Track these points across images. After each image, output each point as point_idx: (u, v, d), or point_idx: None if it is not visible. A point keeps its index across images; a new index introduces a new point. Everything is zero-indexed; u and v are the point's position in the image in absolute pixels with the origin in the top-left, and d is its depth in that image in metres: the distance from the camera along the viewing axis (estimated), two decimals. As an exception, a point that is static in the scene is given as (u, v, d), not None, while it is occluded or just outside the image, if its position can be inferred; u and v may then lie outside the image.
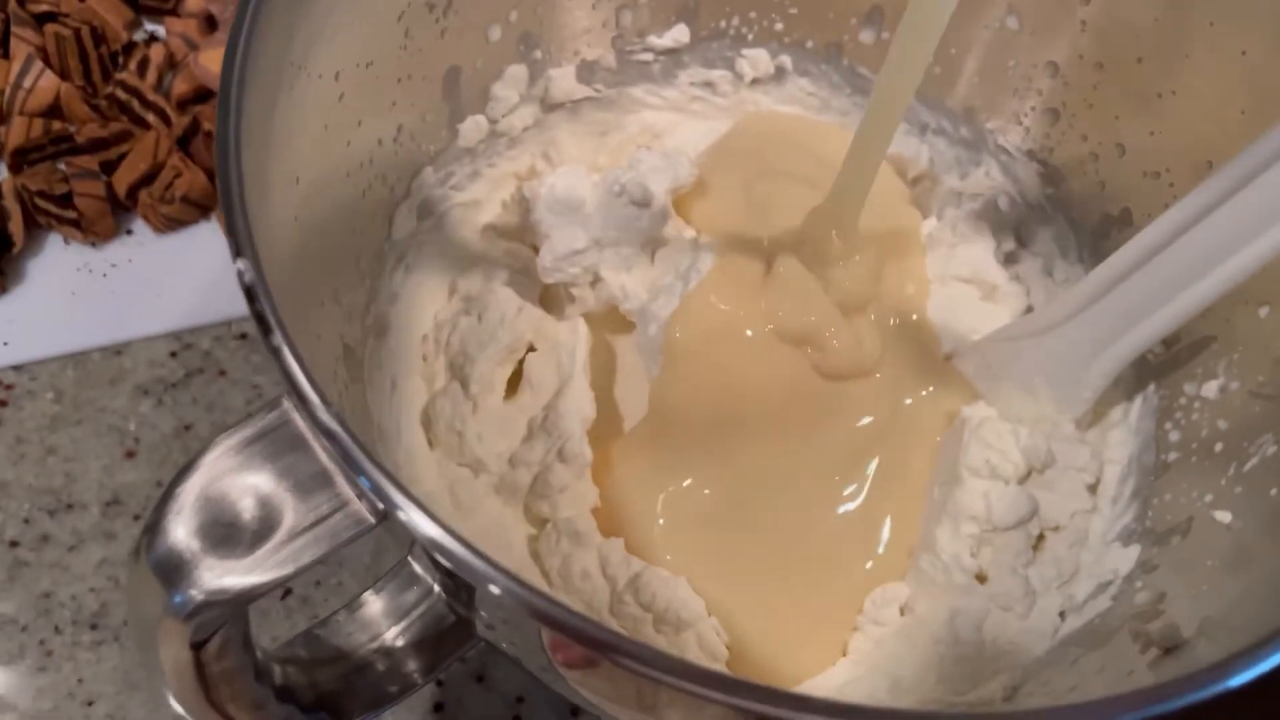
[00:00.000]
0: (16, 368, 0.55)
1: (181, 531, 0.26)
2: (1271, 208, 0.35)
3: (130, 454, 0.53)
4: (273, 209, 0.32)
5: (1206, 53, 0.41)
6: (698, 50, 0.50)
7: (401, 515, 0.24)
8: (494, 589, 0.23)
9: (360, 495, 0.25)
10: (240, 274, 0.25)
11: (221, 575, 0.26)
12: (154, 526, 0.26)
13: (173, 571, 0.26)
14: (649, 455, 0.44)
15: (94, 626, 0.50)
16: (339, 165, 0.39)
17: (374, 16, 0.38)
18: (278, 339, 0.25)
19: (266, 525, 0.26)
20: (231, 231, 0.26)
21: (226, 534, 0.26)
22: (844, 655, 0.42)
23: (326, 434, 0.24)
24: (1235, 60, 0.40)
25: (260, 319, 0.25)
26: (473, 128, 0.47)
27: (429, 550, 0.23)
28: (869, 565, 0.43)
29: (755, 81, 0.51)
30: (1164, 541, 0.39)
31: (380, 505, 0.24)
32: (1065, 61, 0.46)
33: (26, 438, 0.54)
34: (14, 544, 0.51)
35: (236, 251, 0.26)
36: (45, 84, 0.58)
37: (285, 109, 0.33)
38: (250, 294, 0.25)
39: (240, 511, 0.26)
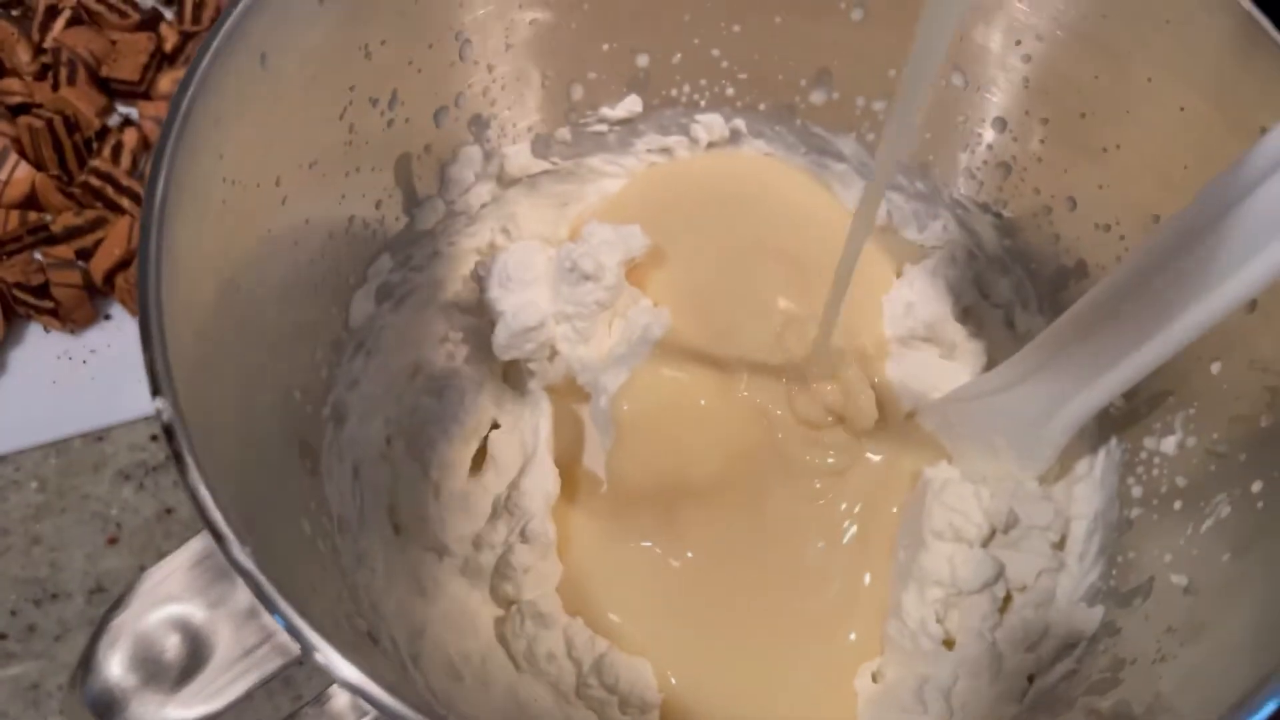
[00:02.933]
0: (0, 458, 0.56)
1: (115, 666, 0.27)
2: (1219, 264, 0.35)
3: (113, 540, 0.54)
4: (209, 323, 0.32)
5: (1147, 108, 0.41)
6: (652, 118, 0.50)
7: (319, 657, 0.24)
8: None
9: (285, 627, 0.26)
10: (159, 413, 0.26)
11: (155, 710, 0.26)
12: (88, 661, 0.27)
13: (107, 708, 0.26)
14: (610, 528, 0.44)
15: (81, 716, 0.50)
16: (286, 264, 0.39)
17: (313, 120, 0.39)
18: (194, 478, 0.25)
19: (198, 658, 0.26)
20: (150, 369, 0.26)
21: (159, 668, 0.26)
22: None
23: (242, 573, 0.24)
24: (1174, 115, 0.40)
25: (178, 458, 0.25)
26: (429, 210, 0.47)
27: (348, 691, 0.24)
28: (852, 637, 0.43)
29: (711, 145, 0.52)
30: (1127, 603, 0.39)
31: (297, 645, 0.24)
32: (1012, 117, 0.46)
33: (11, 529, 0.54)
34: (1, 635, 0.52)
35: (155, 390, 0.26)
36: (20, 175, 0.59)
37: (218, 224, 0.33)
38: (169, 433, 0.26)
39: (172, 645, 0.27)
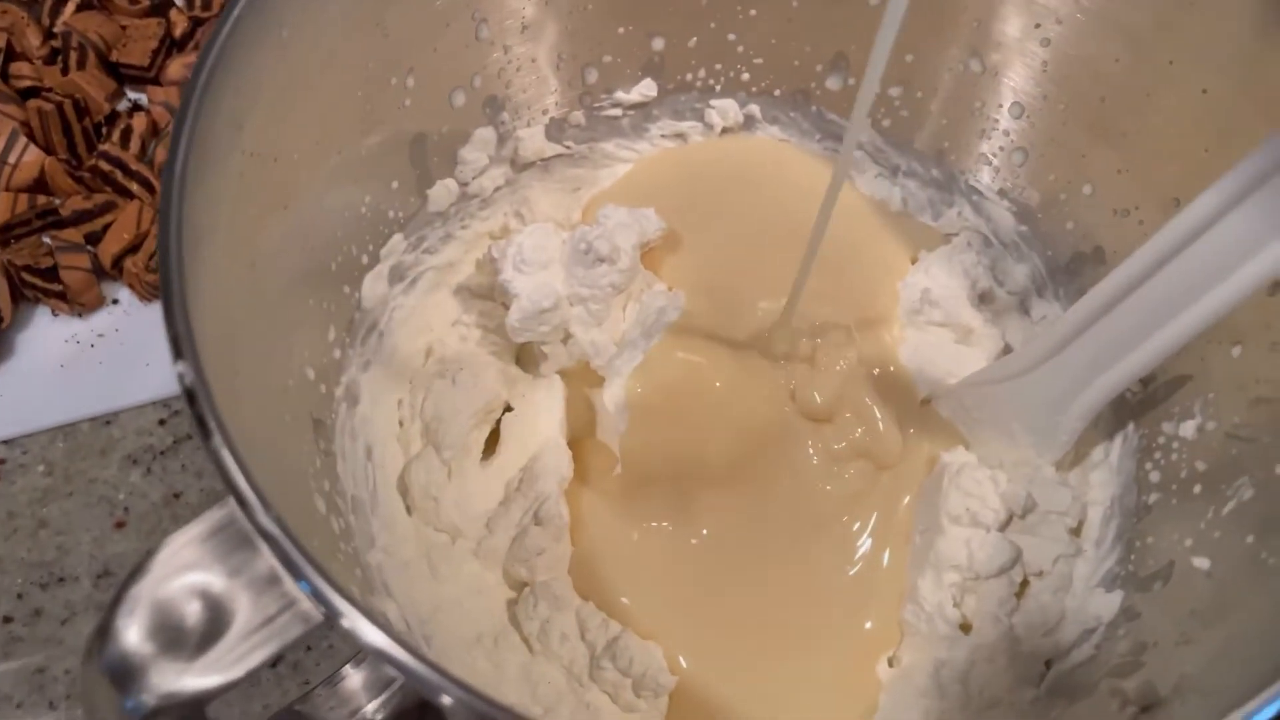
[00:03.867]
0: (7, 442, 0.55)
1: (134, 634, 0.26)
2: (1240, 247, 0.35)
3: (120, 524, 0.54)
4: (228, 295, 0.32)
5: (1168, 91, 0.40)
6: (666, 103, 0.50)
7: (345, 622, 0.24)
8: (445, 699, 0.23)
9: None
10: (180, 376, 0.26)
11: (174, 678, 0.26)
12: (105, 629, 0.26)
13: (125, 675, 0.26)
14: (623, 510, 0.44)
15: (87, 700, 0.50)
16: (302, 241, 0.39)
17: (331, 95, 0.38)
18: (216, 441, 0.25)
19: (217, 626, 0.26)
20: (171, 332, 0.26)
21: (178, 636, 0.26)
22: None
23: (266, 537, 0.24)
24: (1196, 98, 0.39)
25: (201, 422, 0.25)
26: (443, 192, 0.47)
27: (374, 657, 0.23)
28: (869, 624, 0.43)
29: (725, 131, 0.51)
30: (1146, 587, 0.39)
31: (318, 613, 0.24)
32: (1029, 102, 0.45)
33: (18, 512, 0.54)
34: (7, 619, 0.52)
35: (177, 353, 0.26)
36: (29, 159, 0.59)
37: (236, 195, 0.33)
38: (190, 396, 0.25)
39: (190, 613, 0.26)
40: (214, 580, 0.27)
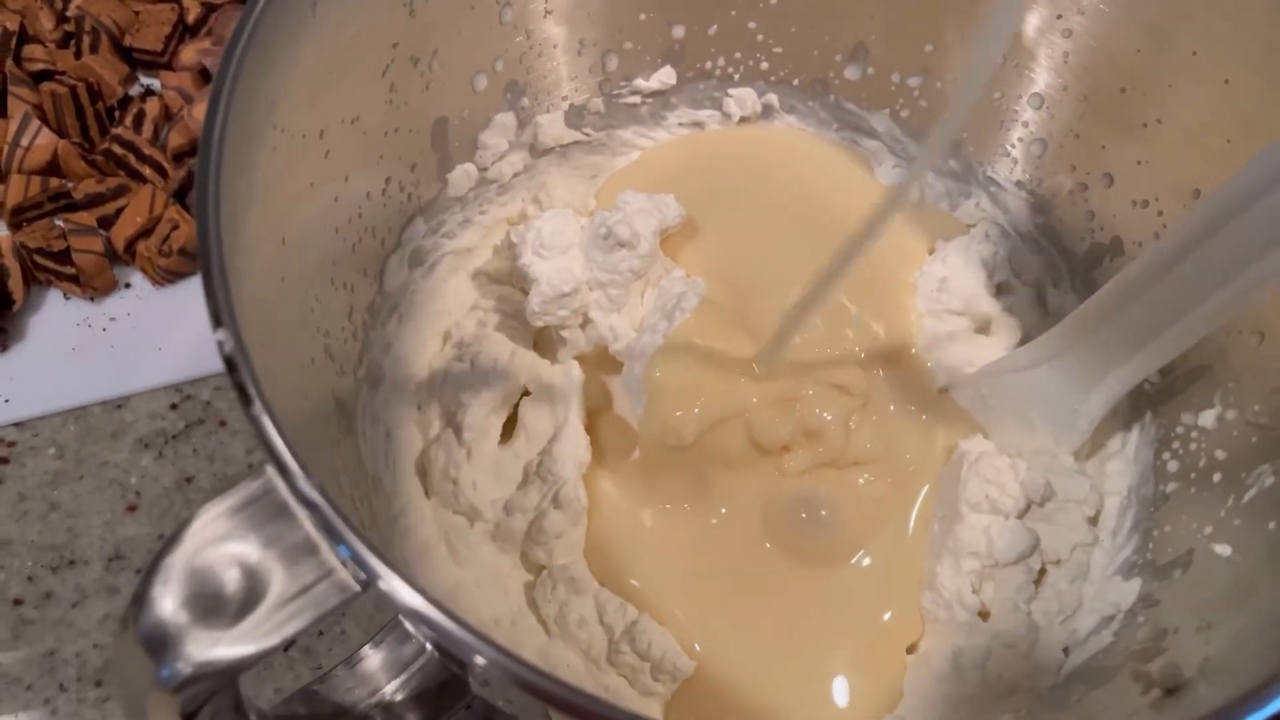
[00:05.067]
0: (18, 425, 0.55)
1: (169, 603, 0.26)
2: (1263, 238, 0.35)
3: (132, 508, 0.54)
4: (258, 271, 0.32)
5: (1190, 82, 0.41)
6: (685, 91, 0.50)
7: (383, 585, 0.24)
8: (479, 660, 0.23)
9: (344, 562, 0.25)
10: (220, 344, 0.26)
11: (209, 647, 0.26)
12: (141, 598, 0.26)
13: (160, 644, 0.26)
14: (640, 494, 0.44)
15: (99, 683, 0.50)
16: (327, 221, 0.39)
17: (357, 74, 0.38)
18: (258, 408, 0.25)
19: (253, 595, 0.26)
20: (211, 301, 0.26)
21: (213, 605, 0.26)
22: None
23: (307, 504, 0.24)
24: (1219, 89, 0.40)
25: (241, 390, 0.25)
26: (462, 176, 0.47)
27: (411, 621, 0.23)
28: (888, 615, 0.43)
29: (744, 120, 0.51)
30: (1165, 575, 0.39)
31: (362, 575, 0.24)
32: (1049, 93, 0.46)
33: (29, 494, 0.54)
34: (18, 602, 0.51)
35: (216, 321, 0.26)
36: (43, 141, 0.59)
37: (268, 171, 0.33)
38: (230, 364, 0.25)
39: (227, 582, 0.26)
40: (249, 550, 0.27)
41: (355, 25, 0.37)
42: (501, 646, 0.23)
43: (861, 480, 0.44)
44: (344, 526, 0.24)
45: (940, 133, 0.34)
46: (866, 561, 0.44)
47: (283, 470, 0.25)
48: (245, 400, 0.25)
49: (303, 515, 0.25)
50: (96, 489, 0.54)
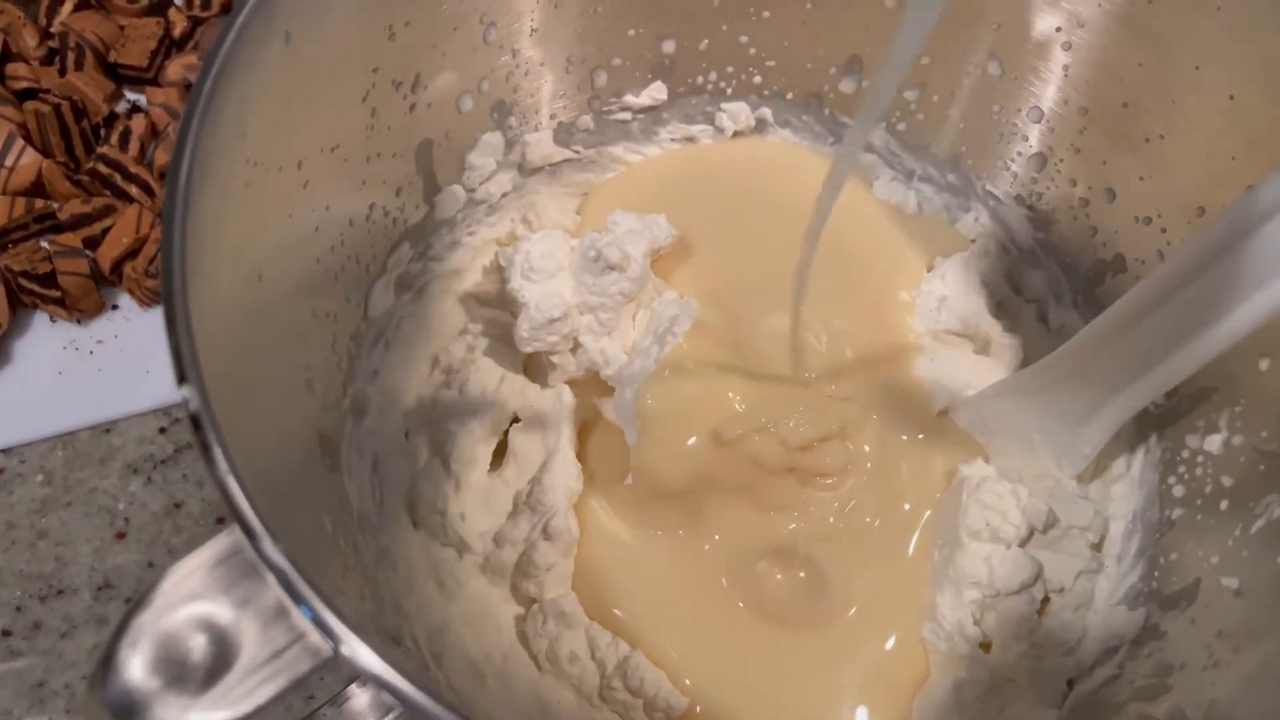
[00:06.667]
0: (5, 451, 0.54)
1: (137, 667, 0.25)
2: (1270, 264, 0.34)
3: (120, 535, 0.53)
4: (232, 312, 0.31)
5: (1193, 97, 0.39)
6: (677, 106, 0.49)
7: (345, 650, 0.23)
8: (452, 732, 0.22)
9: (315, 625, 0.25)
10: (185, 402, 0.25)
11: (179, 714, 0.25)
12: (108, 661, 0.26)
13: (128, 711, 0.25)
14: (633, 522, 0.43)
15: (87, 715, 0.49)
16: (307, 252, 0.38)
17: (336, 102, 0.37)
18: (222, 470, 0.24)
19: (224, 660, 0.25)
20: (176, 356, 0.25)
21: (183, 669, 0.25)
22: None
23: (274, 569, 0.23)
24: (1223, 104, 0.39)
25: (205, 449, 0.24)
26: (450, 198, 0.46)
27: (379, 688, 0.22)
28: (890, 644, 0.42)
29: (737, 134, 0.50)
30: (1171, 605, 0.38)
31: (328, 646, 0.23)
32: (1050, 106, 0.45)
33: (17, 522, 0.53)
34: (6, 633, 0.51)
35: (181, 377, 0.25)
36: (27, 162, 0.58)
37: (242, 207, 0.32)
38: (195, 422, 0.25)
39: (197, 645, 0.25)
40: (220, 611, 0.26)
41: (332, 53, 0.36)
42: (465, 714, 0.22)
43: (851, 506, 0.43)
44: (306, 588, 0.23)
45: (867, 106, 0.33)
46: (867, 588, 0.43)
47: (249, 534, 0.24)
48: (210, 460, 0.24)
49: (271, 578, 0.25)
50: (85, 516, 0.53)
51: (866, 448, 0.43)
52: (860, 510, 0.43)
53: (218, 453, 0.24)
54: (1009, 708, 0.39)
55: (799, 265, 0.40)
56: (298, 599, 0.23)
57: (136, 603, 0.26)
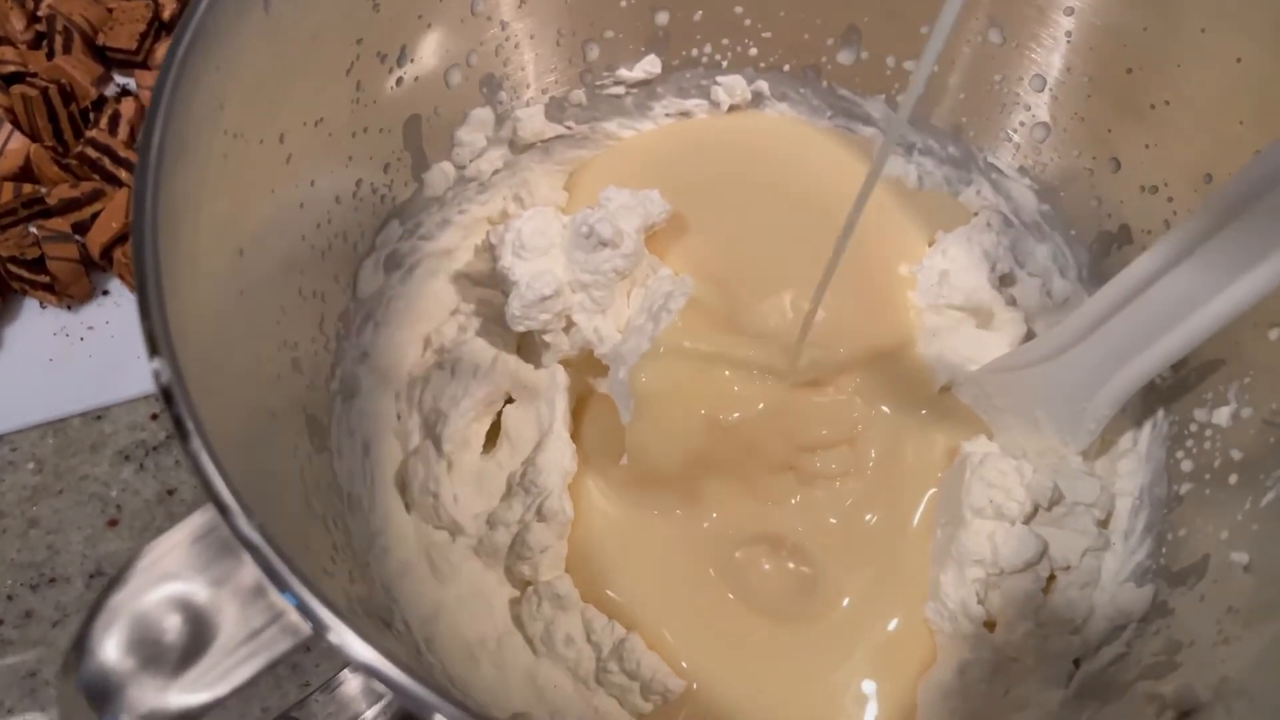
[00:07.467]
0: (-5, 439, 0.54)
1: (111, 649, 0.25)
2: (1275, 231, 0.33)
3: (113, 522, 0.52)
4: (210, 286, 0.30)
5: (1200, 61, 0.38)
6: (671, 80, 0.48)
7: (332, 637, 0.22)
8: (438, 718, 0.22)
9: (294, 605, 0.24)
10: (156, 374, 0.24)
11: (155, 696, 0.24)
12: (82, 643, 0.25)
13: (102, 693, 0.24)
14: (629, 501, 0.42)
15: (80, 704, 0.48)
16: (291, 228, 0.37)
17: (318, 73, 0.37)
18: (195, 445, 0.23)
19: (201, 640, 0.24)
20: (147, 325, 0.24)
21: (159, 650, 0.24)
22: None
23: (249, 546, 0.22)
24: (1230, 68, 0.37)
25: (178, 423, 0.23)
26: (439, 175, 0.45)
27: (363, 673, 0.22)
28: (892, 625, 0.41)
29: (733, 108, 0.49)
30: (1180, 582, 0.37)
31: (307, 625, 0.22)
32: (1052, 74, 0.43)
33: (8, 511, 0.52)
34: (-3, 622, 0.50)
35: (153, 349, 0.24)
36: (14, 146, 0.57)
37: (220, 180, 0.31)
38: (167, 396, 0.24)
39: (173, 625, 0.25)
40: (197, 590, 0.25)
41: (314, 22, 0.35)
42: (461, 702, 0.22)
43: (850, 504, 0.42)
44: (287, 572, 0.22)
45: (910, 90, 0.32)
46: (857, 594, 0.42)
47: (222, 510, 0.23)
48: (182, 434, 0.23)
49: (246, 555, 0.24)
50: (76, 504, 0.53)
51: (872, 451, 0.42)
52: (859, 508, 0.42)
53: (190, 426, 0.23)
54: (1014, 688, 0.38)
55: (828, 264, 0.38)
56: (272, 575, 0.22)
57: (111, 583, 0.25)
